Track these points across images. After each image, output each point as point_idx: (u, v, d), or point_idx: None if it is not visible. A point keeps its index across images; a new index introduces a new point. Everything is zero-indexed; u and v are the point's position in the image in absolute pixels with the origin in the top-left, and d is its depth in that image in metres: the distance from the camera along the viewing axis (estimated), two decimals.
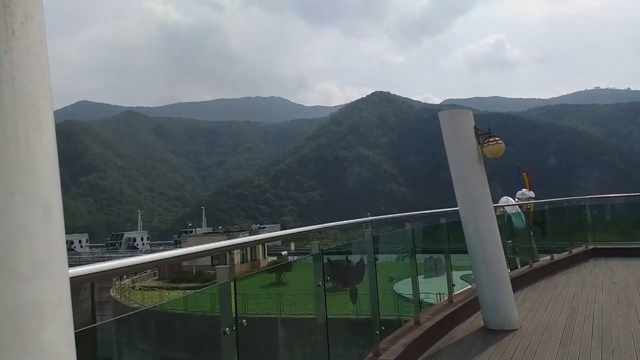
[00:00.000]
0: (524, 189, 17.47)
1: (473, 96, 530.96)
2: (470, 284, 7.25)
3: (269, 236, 4.89)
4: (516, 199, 16.51)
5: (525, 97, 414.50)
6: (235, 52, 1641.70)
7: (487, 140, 5.99)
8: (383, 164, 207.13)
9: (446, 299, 6.70)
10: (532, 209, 15.44)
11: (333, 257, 4.44)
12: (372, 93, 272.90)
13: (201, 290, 3.71)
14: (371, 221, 5.47)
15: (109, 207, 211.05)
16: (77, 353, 1.14)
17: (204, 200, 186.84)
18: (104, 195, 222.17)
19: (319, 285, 3.96)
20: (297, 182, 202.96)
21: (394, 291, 5.91)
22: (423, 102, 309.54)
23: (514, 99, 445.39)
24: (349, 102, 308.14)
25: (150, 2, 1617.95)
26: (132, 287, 35.26)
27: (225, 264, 44.00)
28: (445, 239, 6.93)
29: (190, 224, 78.41)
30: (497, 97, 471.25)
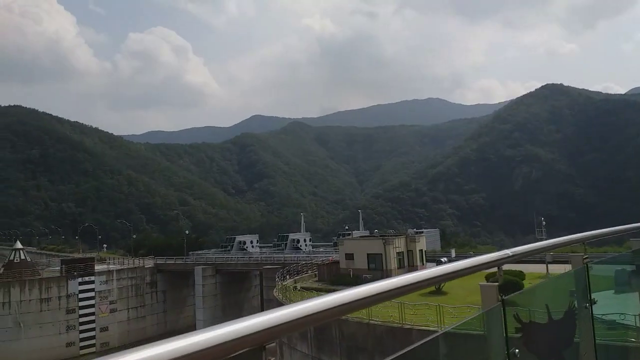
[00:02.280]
0: None
1: None
2: None
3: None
4: None
5: None
6: (390, 56, 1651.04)
7: None
8: (556, 163, 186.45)
9: None
10: None
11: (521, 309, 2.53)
12: (542, 86, 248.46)
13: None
14: None
15: (278, 210, 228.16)
16: None
17: (362, 203, 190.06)
18: (274, 199, 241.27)
19: None
20: (457, 184, 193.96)
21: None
22: (603, 92, 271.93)
23: None
24: (513, 97, 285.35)
25: (308, 19, 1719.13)
26: (294, 287, 36.73)
27: (383, 268, 43.11)
28: None
29: (346, 227, 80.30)
30: None
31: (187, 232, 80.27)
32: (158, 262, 63.69)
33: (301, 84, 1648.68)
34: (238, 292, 58.31)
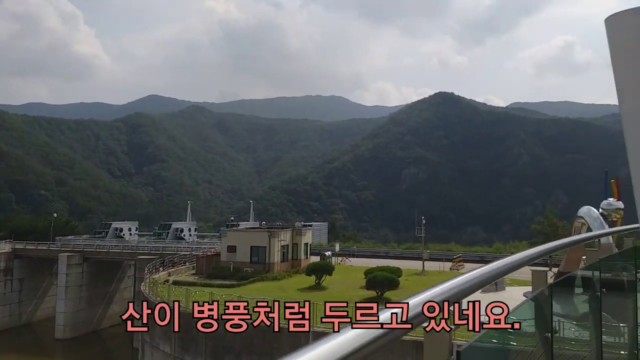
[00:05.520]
0: (610, 199, 13.98)
1: (541, 100, 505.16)
2: None
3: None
4: (600, 210, 13.24)
5: (599, 103, 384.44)
6: (295, 50, 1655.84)
7: None
8: (442, 166, 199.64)
9: None
10: (619, 222, 12.60)
11: None
12: (436, 93, 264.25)
13: None
14: None
15: (169, 196, 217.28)
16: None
17: (259, 194, 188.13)
18: (165, 185, 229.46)
19: None
20: (351, 180, 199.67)
21: None
22: (487, 104, 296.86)
23: (586, 104, 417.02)
24: (408, 102, 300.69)
25: (212, 2, 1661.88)
26: (165, 281, 33.96)
27: (265, 262, 41.65)
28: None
29: (232, 218, 77.93)
30: (567, 101, 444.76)
31: (55, 214, 72.43)
32: (17, 246, 56.61)
33: (202, 67, 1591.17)
34: (109, 283, 53.55)
